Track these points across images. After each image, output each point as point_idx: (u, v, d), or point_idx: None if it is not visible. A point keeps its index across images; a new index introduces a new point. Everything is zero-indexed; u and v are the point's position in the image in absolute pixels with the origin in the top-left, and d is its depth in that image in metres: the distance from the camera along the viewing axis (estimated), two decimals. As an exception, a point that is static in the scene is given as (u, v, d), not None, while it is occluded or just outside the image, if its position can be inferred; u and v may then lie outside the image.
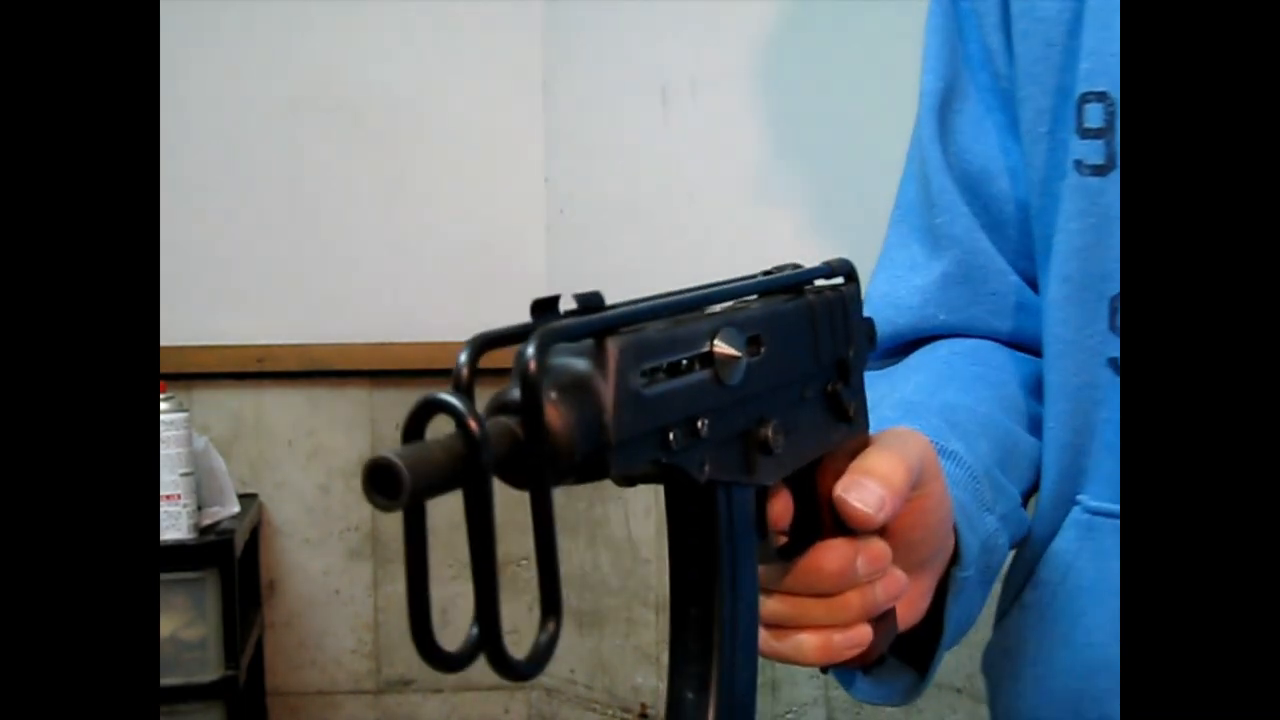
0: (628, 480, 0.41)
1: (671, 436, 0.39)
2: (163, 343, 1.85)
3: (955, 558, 0.56)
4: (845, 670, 0.58)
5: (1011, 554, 0.69)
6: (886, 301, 0.72)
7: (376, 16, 1.94)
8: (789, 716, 1.70)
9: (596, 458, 0.36)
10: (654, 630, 1.86)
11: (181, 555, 1.58)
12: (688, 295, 0.42)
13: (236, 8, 1.91)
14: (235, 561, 1.62)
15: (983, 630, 1.54)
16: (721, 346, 0.41)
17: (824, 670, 0.55)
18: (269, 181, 1.93)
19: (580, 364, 0.38)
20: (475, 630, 0.33)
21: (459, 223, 1.97)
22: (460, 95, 1.96)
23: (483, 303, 1.96)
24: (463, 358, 0.35)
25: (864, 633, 0.49)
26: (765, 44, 1.68)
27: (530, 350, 0.35)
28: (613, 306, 0.40)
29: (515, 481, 0.34)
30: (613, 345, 0.38)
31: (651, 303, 0.41)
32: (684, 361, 0.40)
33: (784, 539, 0.49)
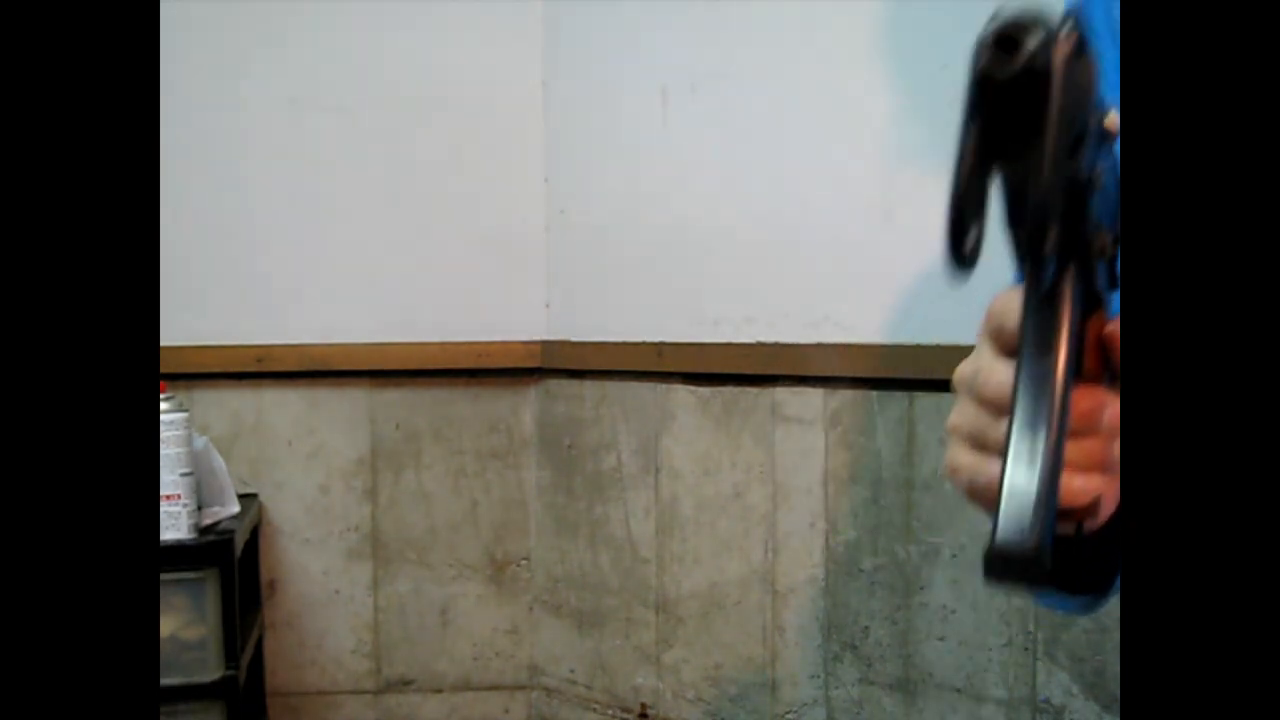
0: (1041, 200, 0.43)
1: (1083, 156, 0.44)
2: (163, 343, 1.85)
3: None
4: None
5: None
6: None
7: (376, 16, 1.94)
8: (789, 716, 1.70)
9: (1082, 128, 0.41)
10: (654, 630, 1.86)
11: (181, 555, 1.58)
12: None
13: (237, 7, 1.91)
14: (235, 561, 1.62)
15: (986, 634, 1.53)
16: (1113, 119, 0.45)
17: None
18: (269, 181, 1.93)
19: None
20: (975, 232, 0.39)
21: (459, 223, 1.97)
22: (460, 95, 1.96)
23: (483, 303, 1.96)
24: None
25: (1096, 483, 0.51)
26: (765, 44, 1.68)
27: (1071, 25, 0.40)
28: None
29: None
30: (1091, 44, 0.43)
31: None
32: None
33: None
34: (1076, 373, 0.50)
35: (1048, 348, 0.46)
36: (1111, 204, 0.47)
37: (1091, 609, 0.62)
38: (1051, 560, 0.45)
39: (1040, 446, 0.46)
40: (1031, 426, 0.46)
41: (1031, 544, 0.44)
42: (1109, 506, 0.54)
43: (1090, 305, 0.50)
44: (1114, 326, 0.51)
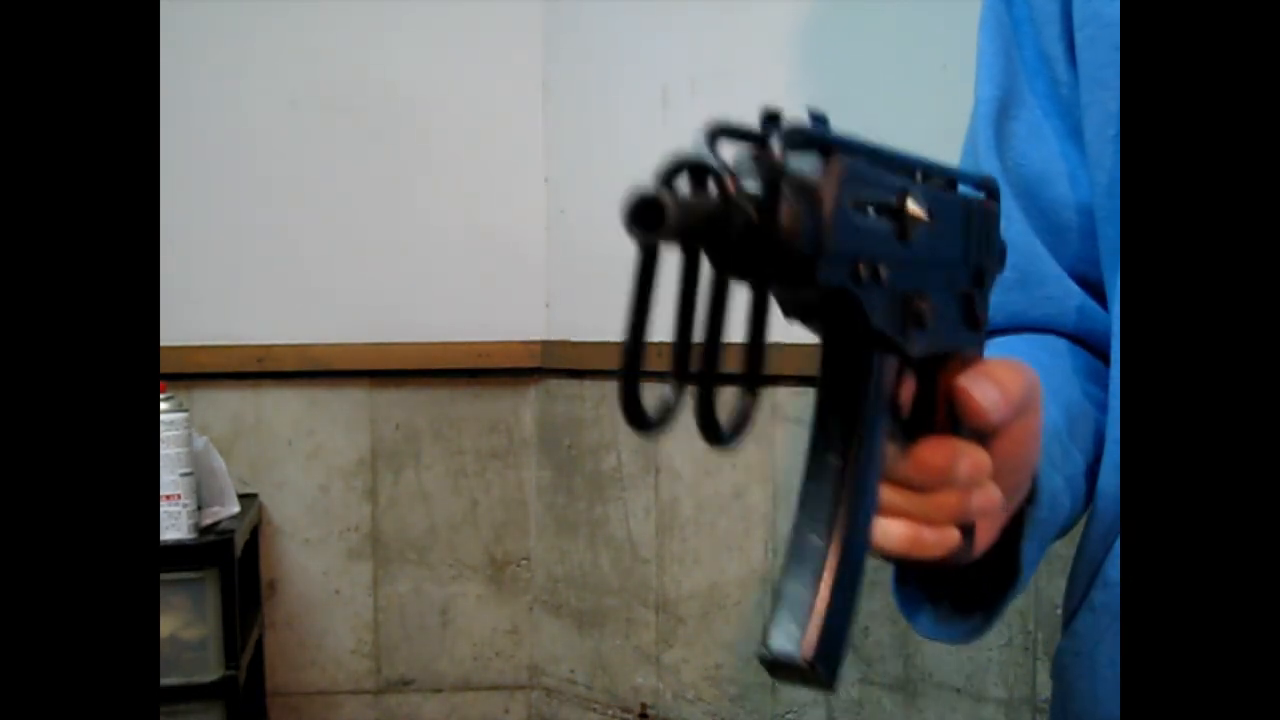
0: (809, 307, 0.43)
1: (861, 270, 0.41)
2: (163, 343, 1.85)
3: (1030, 498, 0.56)
4: (912, 600, 0.59)
5: (1073, 554, 0.69)
6: None
7: (376, 16, 1.94)
8: (789, 716, 1.70)
9: (808, 262, 0.39)
10: (654, 630, 1.86)
11: (181, 555, 1.58)
12: (875, 146, 0.43)
13: (238, 7, 1.91)
14: (235, 561, 1.62)
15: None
16: (912, 206, 0.42)
17: (897, 582, 0.57)
18: (270, 181, 1.93)
19: (807, 171, 0.39)
20: (671, 394, 0.37)
21: (459, 223, 1.97)
22: (460, 95, 1.96)
23: (483, 303, 1.96)
24: (705, 144, 0.37)
25: (952, 536, 0.49)
26: (765, 44, 1.68)
27: (776, 144, 0.37)
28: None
29: (737, 267, 0.37)
30: (838, 162, 0.39)
31: (859, 142, 0.42)
32: (874, 207, 0.41)
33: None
34: (926, 428, 0.49)
35: (833, 450, 0.44)
36: (924, 265, 0.45)
37: (976, 636, 0.61)
38: (831, 670, 0.43)
39: (820, 553, 0.43)
40: (812, 529, 0.43)
41: (803, 657, 0.43)
42: (984, 544, 0.53)
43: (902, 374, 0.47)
44: (965, 379, 0.49)
